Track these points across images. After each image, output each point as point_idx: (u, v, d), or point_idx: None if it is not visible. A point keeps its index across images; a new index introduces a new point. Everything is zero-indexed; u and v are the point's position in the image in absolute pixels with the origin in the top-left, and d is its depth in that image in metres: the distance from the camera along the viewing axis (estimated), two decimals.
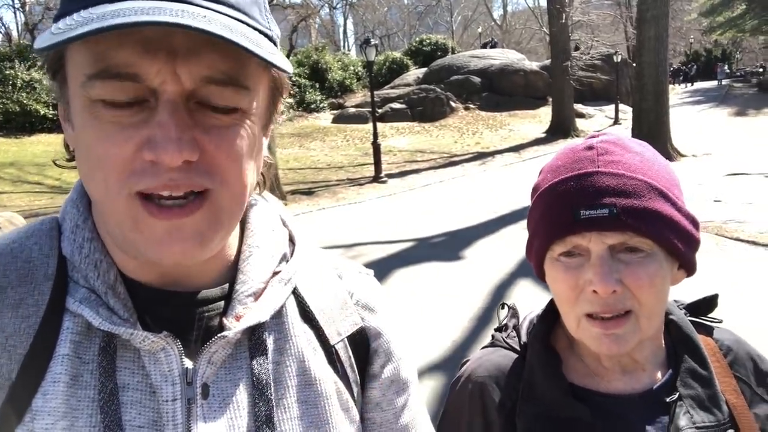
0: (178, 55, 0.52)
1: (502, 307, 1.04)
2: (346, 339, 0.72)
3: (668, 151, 13.89)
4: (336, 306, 0.73)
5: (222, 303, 0.65)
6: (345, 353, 0.72)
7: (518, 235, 8.14)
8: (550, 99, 22.69)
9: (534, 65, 26.74)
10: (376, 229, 9.00)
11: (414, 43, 32.51)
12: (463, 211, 9.92)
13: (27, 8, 28.62)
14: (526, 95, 25.21)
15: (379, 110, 22.05)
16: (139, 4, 0.51)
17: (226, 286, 0.66)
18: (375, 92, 15.69)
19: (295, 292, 0.71)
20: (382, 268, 6.86)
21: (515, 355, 0.94)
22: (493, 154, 17.58)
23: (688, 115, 24.51)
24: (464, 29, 54.87)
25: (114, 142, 0.54)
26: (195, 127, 0.55)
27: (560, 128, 20.48)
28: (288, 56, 18.17)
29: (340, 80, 25.97)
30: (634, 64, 16.61)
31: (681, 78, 42.78)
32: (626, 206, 0.77)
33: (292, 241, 0.74)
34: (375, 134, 14.04)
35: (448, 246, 7.85)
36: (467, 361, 0.98)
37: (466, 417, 0.91)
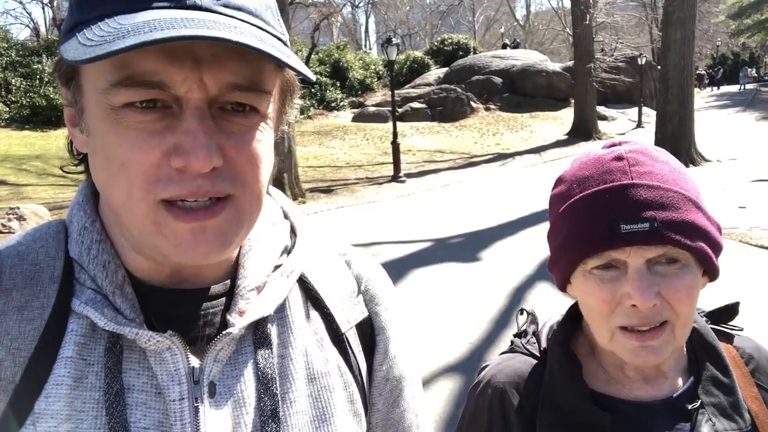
0: (204, 64, 0.53)
1: (521, 313, 1.03)
2: (355, 327, 0.73)
3: (692, 156, 13.68)
4: (345, 294, 0.74)
5: (224, 299, 0.65)
6: (355, 341, 0.72)
7: (537, 237, 8.08)
8: (572, 101, 22.48)
9: (556, 66, 26.51)
10: (393, 229, 9.00)
11: (435, 43, 32.42)
12: (481, 212, 9.87)
13: (55, 4, 29.13)
14: (547, 96, 25.01)
15: (399, 109, 22.04)
16: (166, 14, 0.52)
17: (228, 281, 0.66)
18: (396, 91, 15.68)
19: (305, 281, 0.71)
20: (399, 268, 6.86)
21: (534, 361, 0.93)
22: (513, 155, 17.48)
23: (714, 119, 24.10)
24: (486, 29, 54.59)
25: (140, 149, 0.54)
26: (218, 132, 0.56)
27: (582, 130, 20.28)
28: (310, 55, 18.29)
29: (360, 79, 26.01)
30: (659, 67, 16.39)
31: (707, 81, 42.08)
32: (666, 219, 0.77)
33: (294, 232, 0.74)
34: (395, 133, 14.04)
35: (465, 247, 7.83)
36: (486, 366, 0.97)
37: (486, 422, 0.91)
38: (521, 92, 25.02)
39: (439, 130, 21.25)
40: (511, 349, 0.98)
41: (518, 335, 1.00)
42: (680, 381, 0.88)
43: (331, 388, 0.68)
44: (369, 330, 0.74)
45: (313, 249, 0.74)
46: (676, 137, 13.58)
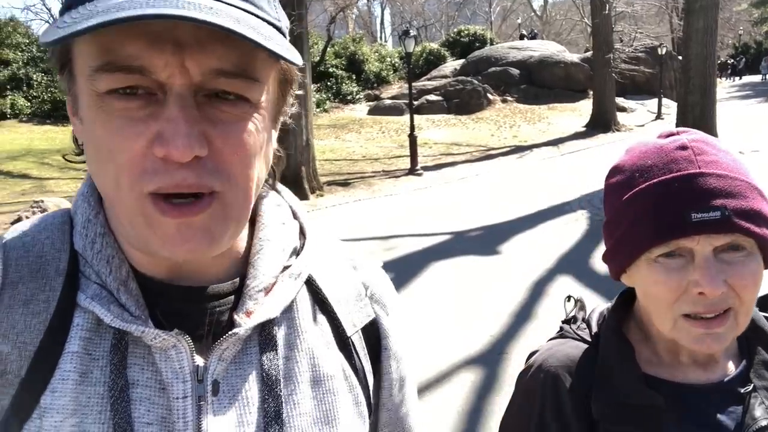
0: (186, 48, 0.52)
1: (569, 300, 1.04)
2: (360, 330, 0.73)
3: None
4: (352, 297, 0.73)
5: (232, 298, 0.65)
6: (360, 344, 0.72)
7: (556, 230, 8.03)
8: (591, 92, 22.23)
9: (575, 57, 26.21)
10: (411, 222, 9.00)
11: (452, 35, 32.21)
12: (499, 205, 9.83)
13: None
14: (565, 88, 24.76)
15: (415, 102, 21.94)
16: None
17: (237, 280, 0.66)
18: (412, 84, 15.63)
19: (312, 283, 0.71)
20: (418, 261, 6.86)
21: (585, 346, 0.94)
22: (530, 147, 17.35)
23: (736, 110, 23.68)
24: (503, 20, 54.09)
25: (125, 136, 0.53)
26: (203, 120, 0.54)
27: (600, 122, 20.05)
28: (326, 48, 18.28)
29: (376, 72, 25.95)
30: (680, 57, 16.12)
31: (729, 71, 41.34)
32: (736, 208, 0.78)
33: (303, 233, 0.73)
34: (412, 126, 14.00)
35: (484, 240, 7.80)
36: (535, 352, 0.98)
37: (538, 405, 0.91)
38: (539, 84, 24.79)
39: (455, 123, 21.16)
40: (561, 335, 0.99)
41: (567, 321, 1.01)
42: (732, 366, 0.89)
43: (336, 391, 0.67)
44: (374, 333, 0.74)
45: (321, 251, 0.73)
46: (698, 128, 13.22)
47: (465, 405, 3.86)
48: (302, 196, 11.28)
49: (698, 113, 13.53)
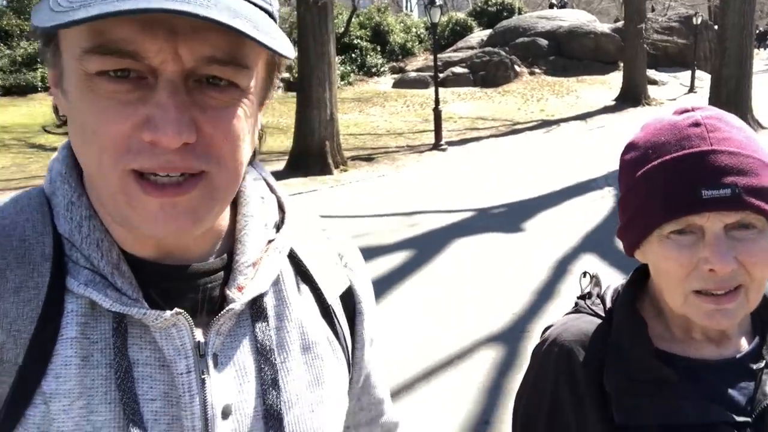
0: (180, 35, 0.52)
1: (584, 276, 1.05)
2: (338, 297, 0.77)
3: (748, 122, 13.04)
4: (329, 266, 0.77)
5: (222, 273, 0.66)
6: (339, 310, 0.76)
7: (582, 207, 7.95)
8: (621, 64, 21.66)
9: (605, 27, 25.49)
10: (435, 198, 8.99)
11: (479, 4, 31.55)
12: (524, 181, 9.74)
13: None
14: (595, 59, 24.15)
15: (441, 75, 21.68)
16: None
17: (225, 256, 0.67)
18: (437, 56, 15.41)
19: (294, 256, 0.73)
20: (441, 237, 6.87)
21: (599, 321, 0.95)
22: (558, 122, 17.06)
23: None
24: None
25: (112, 119, 0.53)
26: (193, 106, 0.54)
27: (631, 95, 19.57)
28: (350, 18, 18.06)
29: (401, 43, 25.62)
30: (716, 27, 15.58)
31: (767, 42, 39.80)
32: (747, 185, 0.78)
33: (281, 208, 0.75)
34: (437, 100, 13.87)
35: (508, 217, 7.77)
36: (550, 327, 1.00)
37: (552, 379, 0.93)
38: (568, 55, 24.22)
39: (481, 96, 20.87)
40: (576, 310, 1.00)
41: (582, 297, 1.02)
42: (745, 342, 0.90)
43: (323, 356, 0.72)
44: (350, 298, 0.78)
45: (299, 224, 0.76)
46: (732, 102, 12.95)
47: (486, 381, 3.91)
48: (326, 170, 11.32)
49: (733, 86, 13.12)
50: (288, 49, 0.57)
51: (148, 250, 0.63)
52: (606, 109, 18.75)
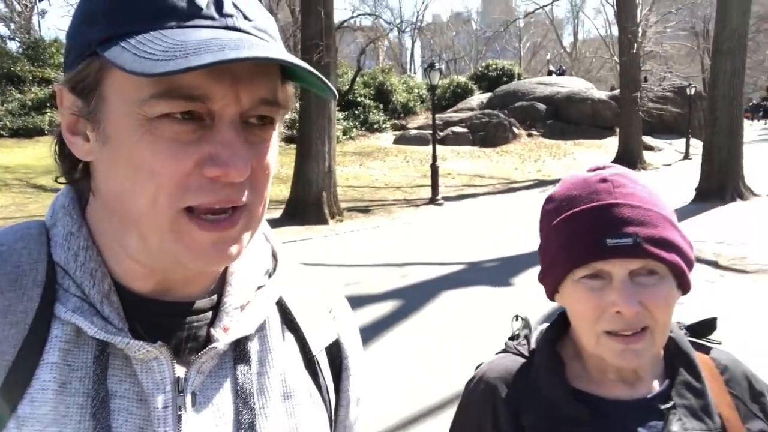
0: (241, 81, 0.57)
1: (516, 319, 1.12)
2: (324, 349, 0.77)
3: (740, 190, 13.25)
4: (317, 318, 0.78)
5: (210, 313, 0.67)
6: (324, 362, 0.76)
7: None
8: (618, 129, 22.16)
9: (602, 94, 26.23)
10: (427, 251, 9.03)
11: (480, 68, 32.57)
12: (517, 237, 9.81)
13: None
14: (592, 124, 24.73)
15: (441, 133, 22.14)
16: (218, 33, 0.56)
17: (215, 297, 0.68)
18: (438, 115, 15.84)
19: (281, 303, 0.75)
20: (431, 289, 6.88)
21: (523, 360, 1.01)
22: (553, 182, 17.25)
23: (766, 152, 23.33)
24: (533, 55, 54.49)
25: (174, 158, 0.56)
26: (245, 144, 0.59)
27: (626, 160, 19.94)
28: (355, 78, 18.64)
29: (404, 102, 26.31)
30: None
31: (761, 113, 40.82)
32: (647, 235, 0.87)
33: (274, 256, 0.77)
34: (434, 156, 14.14)
35: (499, 271, 7.79)
36: (481, 364, 1.07)
37: (477, 413, 0.99)
38: (565, 119, 24.82)
39: (479, 155, 21.25)
40: (504, 350, 1.07)
41: (511, 338, 1.09)
42: (656, 384, 0.95)
43: (303, 405, 0.71)
44: (337, 352, 0.79)
45: (290, 273, 0.77)
46: (724, 169, 13.21)
47: None
48: (322, 220, 11.44)
49: (725, 154, 13.37)
50: (331, 91, 0.62)
51: (148, 285, 0.64)
52: None
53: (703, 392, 0.92)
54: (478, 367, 1.07)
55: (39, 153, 16.29)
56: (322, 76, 0.59)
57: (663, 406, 0.91)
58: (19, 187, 13.08)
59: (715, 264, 7.73)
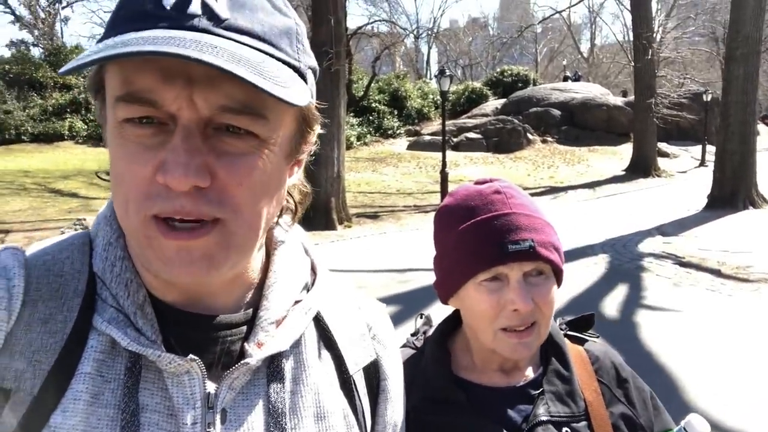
0: (195, 84, 0.54)
1: (420, 317, 1.23)
2: (361, 369, 0.74)
3: (752, 197, 13.08)
4: (356, 336, 0.75)
5: (244, 328, 0.66)
6: (361, 383, 0.74)
7: (573, 272, 7.98)
8: (633, 136, 21.99)
9: (618, 100, 26.05)
10: (431, 257, 9.06)
11: (495, 74, 32.53)
12: None
13: None
14: (607, 131, 24.56)
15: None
16: (158, 33, 0.53)
17: (250, 311, 0.67)
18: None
19: (319, 319, 0.73)
20: (430, 294, 6.92)
21: (414, 352, 1.12)
22: (566, 189, 17.24)
23: None
24: (549, 61, 54.25)
25: (135, 162, 0.56)
26: (209, 153, 0.56)
27: (640, 167, 19.80)
28: (369, 84, 18.76)
29: (418, 108, 26.39)
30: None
31: None
32: (540, 240, 0.98)
33: (313, 270, 0.76)
34: (444, 162, 14.21)
35: None
36: None
37: None
38: (580, 125, 24.69)
39: (493, 161, 21.24)
40: (404, 345, 1.17)
41: (413, 334, 1.20)
42: (531, 372, 1.06)
43: (337, 427, 0.69)
44: (375, 374, 0.76)
45: (329, 289, 0.75)
46: (736, 176, 13.07)
47: None
48: (330, 226, 11.56)
49: (737, 161, 13.23)
50: (298, 98, 0.56)
51: (174, 295, 0.64)
52: (615, 179, 18.92)
53: (570, 379, 1.02)
54: None
55: (58, 158, 16.70)
56: (264, 86, 0.53)
57: (533, 392, 1.01)
58: (37, 192, 13.43)
59: (718, 273, 7.69)
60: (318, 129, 0.68)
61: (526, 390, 1.02)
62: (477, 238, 0.98)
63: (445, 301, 1.07)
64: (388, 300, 6.83)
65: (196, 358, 0.60)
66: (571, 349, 1.08)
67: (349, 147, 18.52)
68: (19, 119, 18.93)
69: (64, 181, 14.29)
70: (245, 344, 0.65)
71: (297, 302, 0.70)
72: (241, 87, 0.54)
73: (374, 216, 13.02)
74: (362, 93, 19.73)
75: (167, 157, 0.54)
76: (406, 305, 6.59)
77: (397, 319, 6.21)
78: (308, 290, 0.73)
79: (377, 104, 24.87)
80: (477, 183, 1.07)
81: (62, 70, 0.54)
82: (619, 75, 45.63)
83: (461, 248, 1.00)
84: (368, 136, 23.44)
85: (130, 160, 0.56)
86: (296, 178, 0.70)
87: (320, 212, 11.64)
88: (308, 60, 0.63)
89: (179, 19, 0.55)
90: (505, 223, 0.98)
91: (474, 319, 1.02)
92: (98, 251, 0.65)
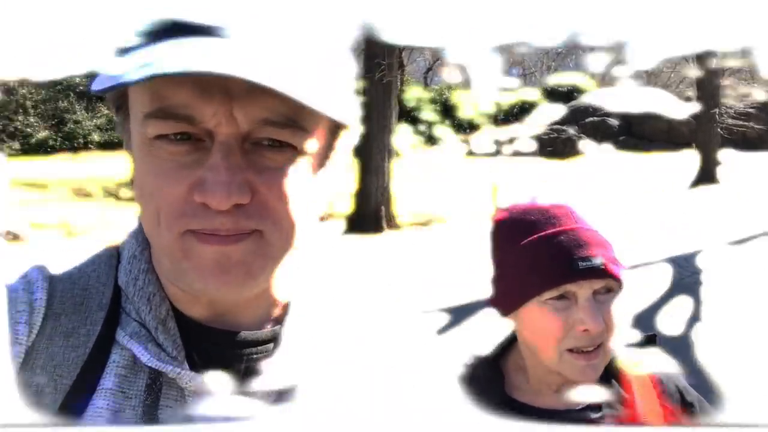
0: (234, 98, 0.52)
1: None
2: None
3: None
4: None
5: (271, 345, 0.64)
6: None
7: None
8: (694, 146, 21.13)
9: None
10: (473, 262, 8.92)
11: (551, 83, 31.95)
12: None
13: None
14: (668, 141, 23.69)
15: (508, 148, 21.85)
16: (198, 47, 0.51)
17: (278, 328, 0.65)
18: (504, 128, 15.64)
19: None
20: (475, 303, 6.82)
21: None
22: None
23: None
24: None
25: (169, 181, 0.54)
26: (248, 168, 0.54)
27: (702, 178, 18.97)
28: (420, 95, 18.92)
29: (470, 118, 26.21)
30: None
31: None
32: (608, 256, 0.93)
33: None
34: (495, 172, 14.01)
35: None
36: None
37: None
38: (638, 135, 23.92)
39: (547, 171, 20.81)
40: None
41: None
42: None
43: None
44: None
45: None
46: None
47: None
48: (379, 231, 11.72)
49: None
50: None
51: (199, 309, 0.62)
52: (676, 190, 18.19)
53: (632, 403, 0.96)
54: None
55: (122, 166, 17.43)
56: (286, 92, 0.51)
57: (594, 416, 0.97)
58: (97, 199, 14.04)
59: None
60: (347, 134, 0.65)
61: (585, 414, 0.97)
62: (542, 254, 0.94)
63: (505, 316, 1.02)
64: (429, 306, 6.76)
65: (217, 375, 0.59)
66: (633, 371, 1.02)
67: (399, 156, 18.58)
68: (87, 128, 19.92)
69: (123, 188, 14.85)
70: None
71: None
72: (283, 100, 0.52)
73: (425, 223, 12.97)
74: (413, 104, 19.81)
75: (206, 176, 0.53)
76: (453, 314, 6.51)
77: (437, 324, 6.13)
78: None
79: (428, 114, 24.85)
80: (531, 197, 1.03)
81: (97, 88, 0.54)
82: (681, 84, 44.05)
83: (524, 264, 0.96)
84: (419, 145, 23.44)
85: (163, 179, 0.55)
86: (325, 186, 0.68)
87: (370, 219, 11.79)
88: (347, 70, 0.62)
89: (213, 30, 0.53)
90: (573, 238, 0.93)
91: (537, 340, 0.97)
92: (123, 264, 0.64)
